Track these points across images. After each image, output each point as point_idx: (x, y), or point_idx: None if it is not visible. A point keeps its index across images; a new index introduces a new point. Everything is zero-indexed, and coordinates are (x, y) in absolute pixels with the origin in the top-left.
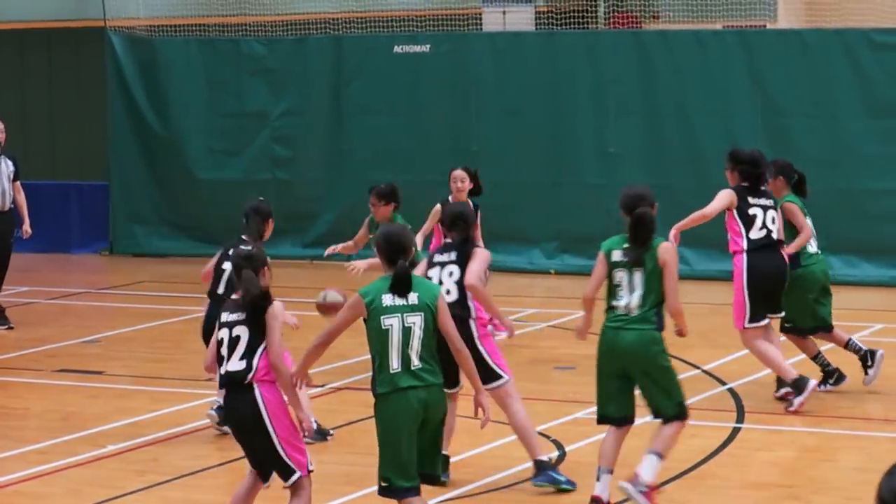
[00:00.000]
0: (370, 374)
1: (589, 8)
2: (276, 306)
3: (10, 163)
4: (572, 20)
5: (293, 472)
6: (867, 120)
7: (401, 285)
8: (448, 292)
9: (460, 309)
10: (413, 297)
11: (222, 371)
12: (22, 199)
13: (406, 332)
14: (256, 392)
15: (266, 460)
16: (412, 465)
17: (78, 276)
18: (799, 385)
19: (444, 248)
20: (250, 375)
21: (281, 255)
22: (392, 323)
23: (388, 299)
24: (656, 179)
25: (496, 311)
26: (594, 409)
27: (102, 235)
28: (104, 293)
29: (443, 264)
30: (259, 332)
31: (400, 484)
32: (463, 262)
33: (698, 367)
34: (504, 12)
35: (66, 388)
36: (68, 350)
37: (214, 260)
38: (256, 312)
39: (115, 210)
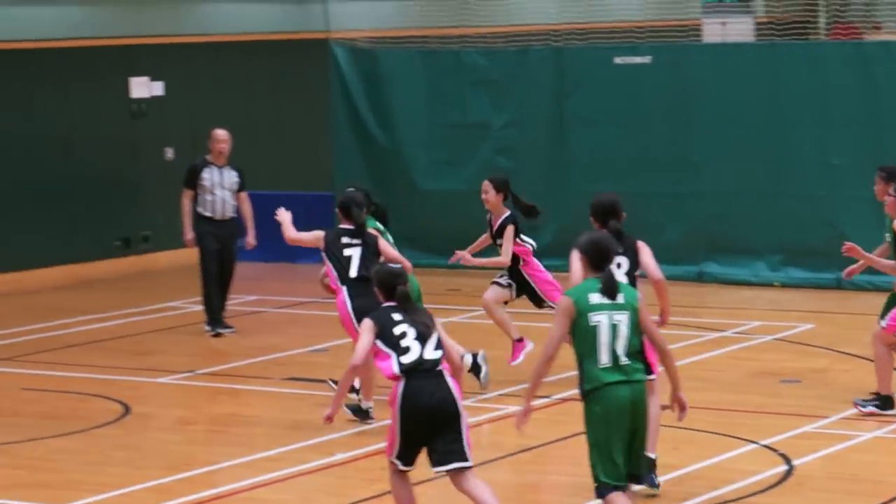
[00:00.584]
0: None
1: (810, 19)
2: None
3: (234, 174)
4: (792, 31)
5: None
6: None
7: (611, 289)
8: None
9: None
10: (619, 298)
11: (410, 359)
12: (247, 209)
13: (613, 328)
14: (447, 379)
15: (449, 447)
16: (622, 464)
17: (303, 285)
18: None
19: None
20: (441, 364)
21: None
22: (600, 320)
23: (595, 298)
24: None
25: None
26: (822, 422)
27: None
28: (330, 303)
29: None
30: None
31: (607, 481)
32: (632, 255)
33: None
34: (724, 23)
35: (294, 396)
36: (296, 359)
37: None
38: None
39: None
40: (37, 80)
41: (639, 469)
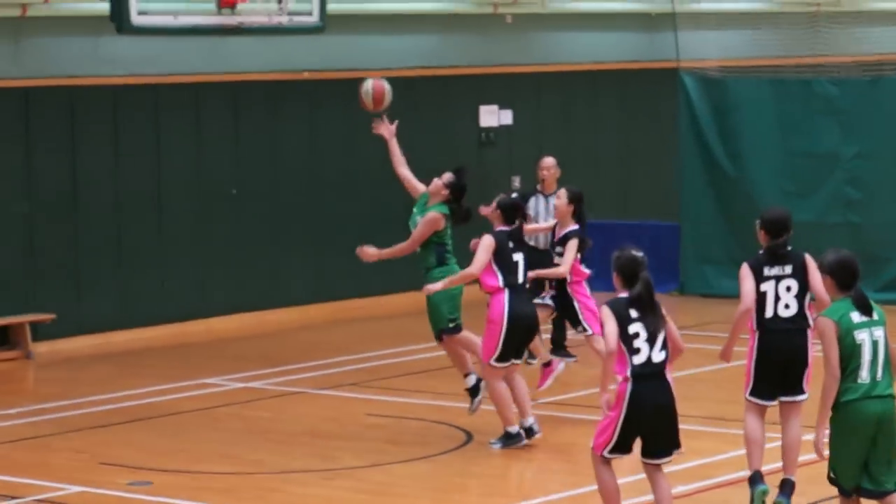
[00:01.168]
0: None
1: None
2: None
3: None
4: None
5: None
6: None
7: (865, 306)
8: (787, 307)
9: (802, 321)
10: (875, 314)
11: (639, 361)
12: None
13: (874, 345)
14: (669, 380)
15: (667, 442)
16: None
17: None
18: None
19: (773, 260)
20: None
21: None
22: (864, 338)
23: (856, 317)
24: None
25: None
26: None
27: (673, 276)
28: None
29: (778, 278)
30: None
31: (842, 482)
32: (801, 275)
33: None
34: None
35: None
36: None
37: (488, 257)
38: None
39: (686, 250)
40: (389, 111)
41: (879, 485)
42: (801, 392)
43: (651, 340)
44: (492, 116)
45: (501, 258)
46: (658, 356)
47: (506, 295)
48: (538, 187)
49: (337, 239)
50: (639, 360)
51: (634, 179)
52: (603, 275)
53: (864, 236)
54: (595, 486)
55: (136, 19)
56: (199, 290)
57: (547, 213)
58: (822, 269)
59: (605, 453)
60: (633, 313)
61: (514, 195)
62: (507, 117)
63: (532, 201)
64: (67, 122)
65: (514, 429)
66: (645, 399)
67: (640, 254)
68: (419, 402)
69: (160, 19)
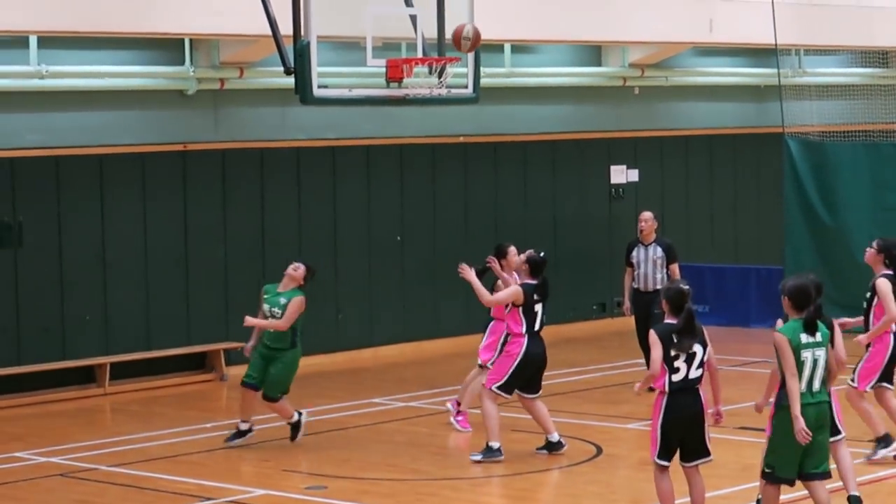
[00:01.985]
0: None
1: None
2: None
3: (659, 249)
4: None
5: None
6: None
7: (812, 326)
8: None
9: None
10: (818, 335)
11: (678, 378)
12: (671, 277)
13: (814, 363)
14: (701, 394)
15: (698, 448)
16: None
17: (755, 346)
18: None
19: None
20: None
21: None
22: (807, 356)
23: (804, 337)
24: None
25: None
26: None
27: (776, 313)
28: None
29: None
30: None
31: (781, 474)
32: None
33: None
34: None
35: (744, 444)
36: (747, 410)
37: (507, 300)
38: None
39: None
40: (531, 169)
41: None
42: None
43: (689, 360)
44: (620, 174)
45: (527, 309)
46: (694, 374)
47: (525, 339)
48: (639, 237)
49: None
50: (677, 377)
51: (744, 229)
52: (715, 311)
53: None
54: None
55: (317, 92)
56: (368, 322)
57: (646, 261)
58: (782, 290)
59: (656, 458)
60: (675, 337)
61: (542, 254)
62: (633, 175)
63: (634, 251)
64: (258, 180)
65: (496, 444)
66: (679, 410)
67: (686, 287)
68: (559, 421)
69: (337, 92)
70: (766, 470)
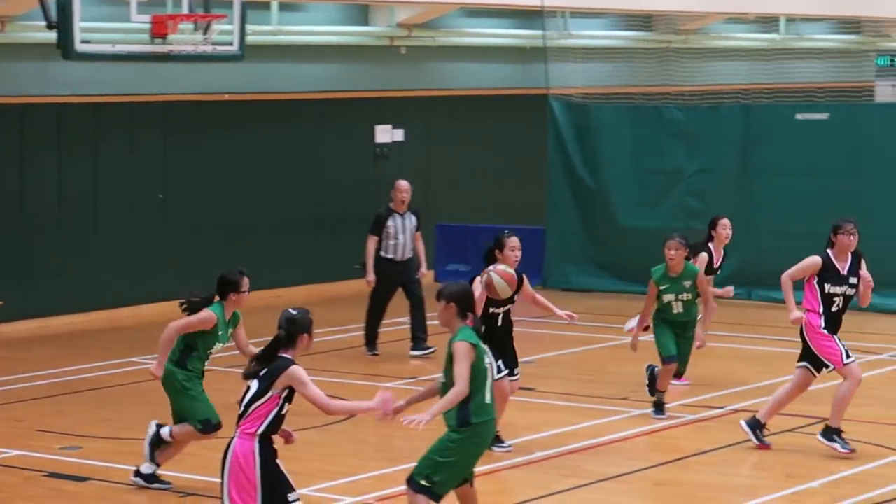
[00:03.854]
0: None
1: None
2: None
3: (413, 218)
4: None
5: None
6: None
7: (479, 333)
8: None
9: None
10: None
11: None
12: (421, 247)
13: (488, 370)
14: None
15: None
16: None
17: (520, 307)
18: None
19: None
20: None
21: None
22: (489, 363)
23: (481, 343)
24: None
25: None
26: None
27: (538, 272)
28: (539, 321)
29: None
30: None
31: (448, 489)
32: None
33: None
34: (894, 85)
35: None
36: None
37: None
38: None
39: (550, 251)
40: (297, 128)
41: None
42: None
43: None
44: (386, 134)
45: None
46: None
47: None
48: (392, 206)
49: (244, 240)
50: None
51: (509, 190)
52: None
53: None
54: None
55: (80, 47)
56: (128, 281)
57: (404, 231)
58: (444, 297)
59: None
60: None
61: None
62: (399, 135)
63: (391, 221)
64: (18, 135)
65: None
66: None
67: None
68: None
69: (100, 47)
70: (424, 483)
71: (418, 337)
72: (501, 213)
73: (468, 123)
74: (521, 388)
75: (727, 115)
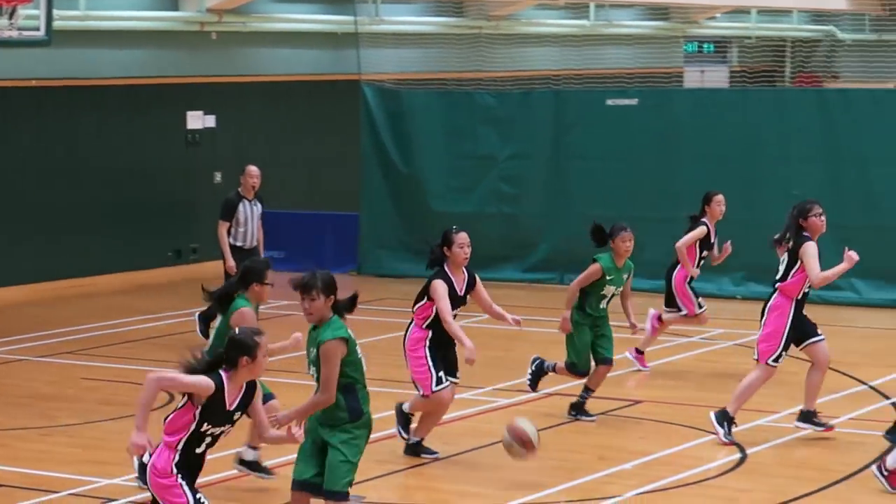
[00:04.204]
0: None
1: (777, 69)
2: None
3: (259, 205)
4: (762, 79)
5: None
6: None
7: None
8: None
9: None
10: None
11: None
12: (261, 235)
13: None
14: None
15: None
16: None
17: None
18: None
19: None
20: None
21: (503, 279)
22: (361, 353)
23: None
24: (834, 218)
25: None
26: (774, 416)
27: (352, 259)
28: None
29: None
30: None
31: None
32: None
33: (865, 383)
34: (703, 71)
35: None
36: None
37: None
38: None
39: (364, 237)
40: (107, 114)
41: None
42: None
43: None
44: (197, 120)
45: None
46: None
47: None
48: (241, 192)
49: (53, 227)
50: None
51: (323, 176)
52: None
53: (515, 225)
54: None
55: None
56: None
57: (252, 218)
58: (318, 289)
59: None
60: None
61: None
62: (210, 121)
63: (241, 206)
64: None
65: None
66: None
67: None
68: (132, 368)
69: None
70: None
71: None
72: (316, 199)
73: (281, 109)
74: None
75: (539, 101)
